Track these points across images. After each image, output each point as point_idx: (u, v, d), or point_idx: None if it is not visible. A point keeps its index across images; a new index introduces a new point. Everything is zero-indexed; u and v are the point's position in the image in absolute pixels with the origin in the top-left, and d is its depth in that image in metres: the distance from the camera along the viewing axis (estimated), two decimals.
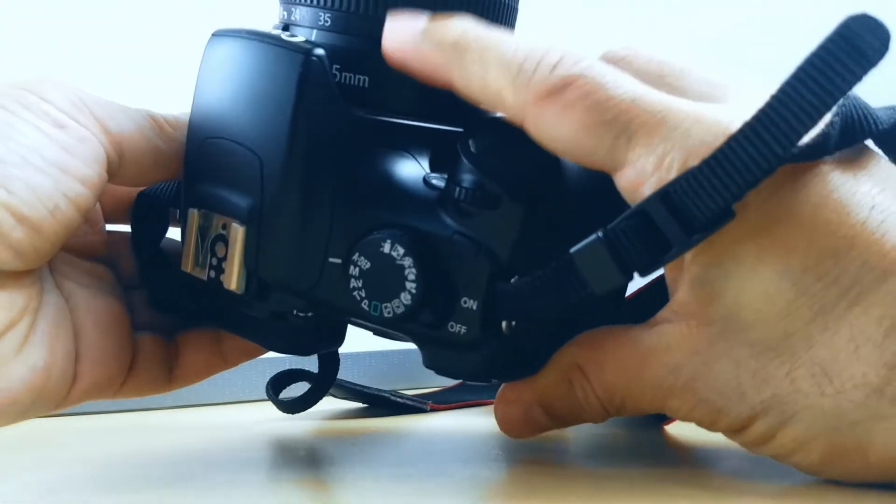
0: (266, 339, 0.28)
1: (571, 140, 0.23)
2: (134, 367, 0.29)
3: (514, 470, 0.29)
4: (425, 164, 0.26)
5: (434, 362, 0.25)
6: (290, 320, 0.26)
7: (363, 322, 0.26)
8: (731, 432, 0.25)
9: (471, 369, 0.25)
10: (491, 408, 0.39)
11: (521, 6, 0.28)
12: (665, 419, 0.34)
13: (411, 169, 0.26)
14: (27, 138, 0.24)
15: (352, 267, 0.24)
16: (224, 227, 0.25)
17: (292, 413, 0.33)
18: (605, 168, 0.24)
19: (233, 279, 0.25)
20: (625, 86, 0.23)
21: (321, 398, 0.33)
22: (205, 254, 0.26)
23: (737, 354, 0.23)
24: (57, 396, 0.27)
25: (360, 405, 0.42)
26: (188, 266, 0.27)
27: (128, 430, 0.36)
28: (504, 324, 0.24)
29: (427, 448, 0.33)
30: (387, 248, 0.24)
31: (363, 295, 0.24)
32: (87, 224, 0.30)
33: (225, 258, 0.25)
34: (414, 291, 0.23)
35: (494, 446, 0.32)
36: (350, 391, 0.39)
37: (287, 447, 0.33)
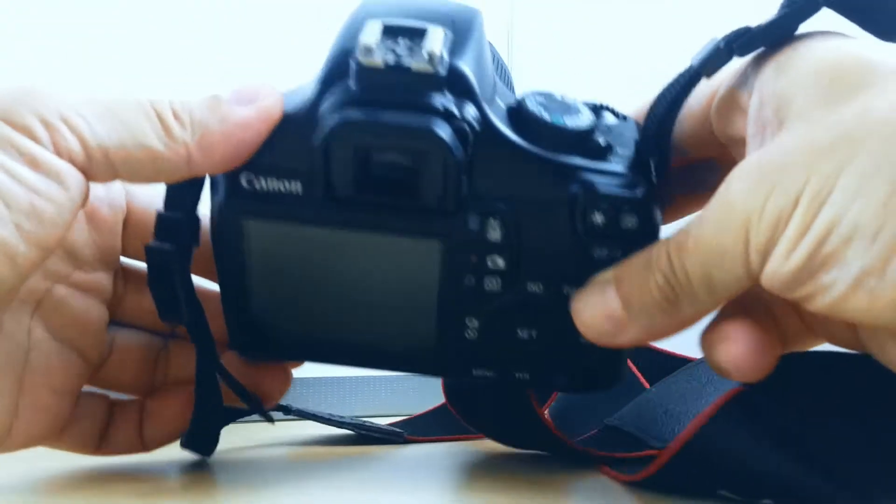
0: None
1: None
2: (70, 426, 0.29)
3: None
4: None
5: (589, 186, 0.25)
6: (456, 125, 0.24)
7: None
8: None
9: (623, 192, 0.25)
10: (467, 443, 0.40)
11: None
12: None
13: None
14: None
15: (530, 99, 0.26)
16: (410, 38, 0.24)
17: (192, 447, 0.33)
18: None
19: (433, 56, 0.23)
20: None
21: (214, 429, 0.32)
22: (388, 48, 0.24)
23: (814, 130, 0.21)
24: None
25: (333, 433, 0.42)
26: (363, 59, 0.24)
27: None
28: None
29: (397, 476, 0.32)
30: (561, 96, 0.27)
31: (546, 112, 0.26)
32: (96, 263, 0.30)
33: (411, 54, 0.24)
34: (592, 118, 0.26)
35: (468, 478, 0.32)
36: (325, 420, 0.39)
37: (254, 470, 0.33)
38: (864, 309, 0.20)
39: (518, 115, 0.26)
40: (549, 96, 0.26)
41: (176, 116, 0.25)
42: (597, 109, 0.27)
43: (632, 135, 0.27)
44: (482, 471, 0.33)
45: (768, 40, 0.24)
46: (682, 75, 0.26)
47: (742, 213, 0.21)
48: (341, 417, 0.39)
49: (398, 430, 0.41)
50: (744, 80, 0.25)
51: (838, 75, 0.21)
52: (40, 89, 0.24)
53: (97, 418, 0.31)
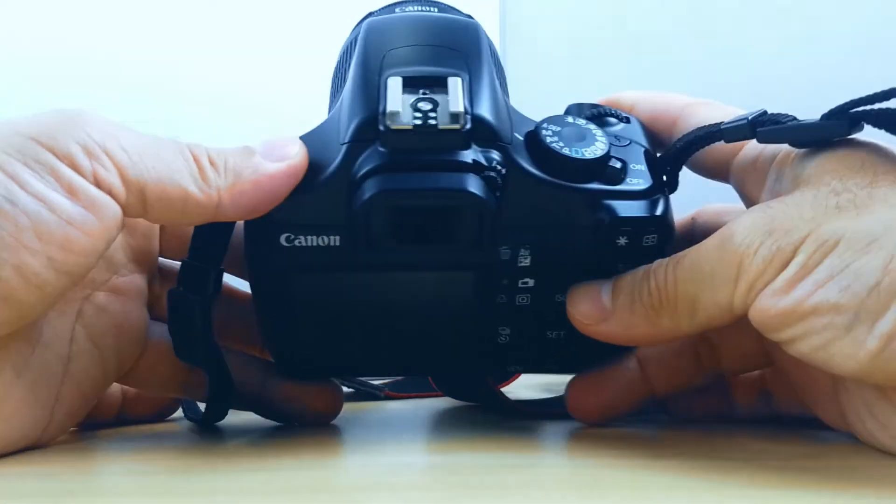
0: None
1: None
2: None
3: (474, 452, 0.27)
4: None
5: (611, 211, 0.27)
6: (486, 176, 0.25)
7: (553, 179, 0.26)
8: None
9: (643, 213, 0.27)
10: (443, 399, 0.43)
11: None
12: None
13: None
14: (26, 215, 0.22)
15: (544, 130, 0.27)
16: (429, 88, 0.25)
17: (208, 427, 0.33)
18: None
19: (457, 112, 0.24)
20: None
21: (226, 406, 0.32)
22: (413, 107, 0.24)
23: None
24: (14, 447, 0.26)
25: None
26: (391, 124, 0.24)
27: None
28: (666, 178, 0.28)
29: (382, 430, 0.33)
30: (570, 119, 0.28)
31: (563, 144, 0.26)
32: (131, 265, 0.30)
33: (434, 109, 0.24)
34: (605, 142, 0.27)
35: (448, 430, 0.33)
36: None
37: (238, 427, 0.33)
38: (848, 356, 0.21)
39: (536, 146, 0.26)
40: (561, 123, 0.27)
41: (211, 162, 0.25)
42: (601, 117, 0.29)
43: (639, 140, 0.28)
44: (448, 423, 0.35)
45: (792, 140, 0.25)
46: (708, 129, 0.27)
47: (740, 244, 0.23)
48: None
49: (378, 385, 0.45)
50: (770, 157, 0.27)
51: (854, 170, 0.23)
52: (85, 117, 0.24)
53: (106, 409, 0.33)
